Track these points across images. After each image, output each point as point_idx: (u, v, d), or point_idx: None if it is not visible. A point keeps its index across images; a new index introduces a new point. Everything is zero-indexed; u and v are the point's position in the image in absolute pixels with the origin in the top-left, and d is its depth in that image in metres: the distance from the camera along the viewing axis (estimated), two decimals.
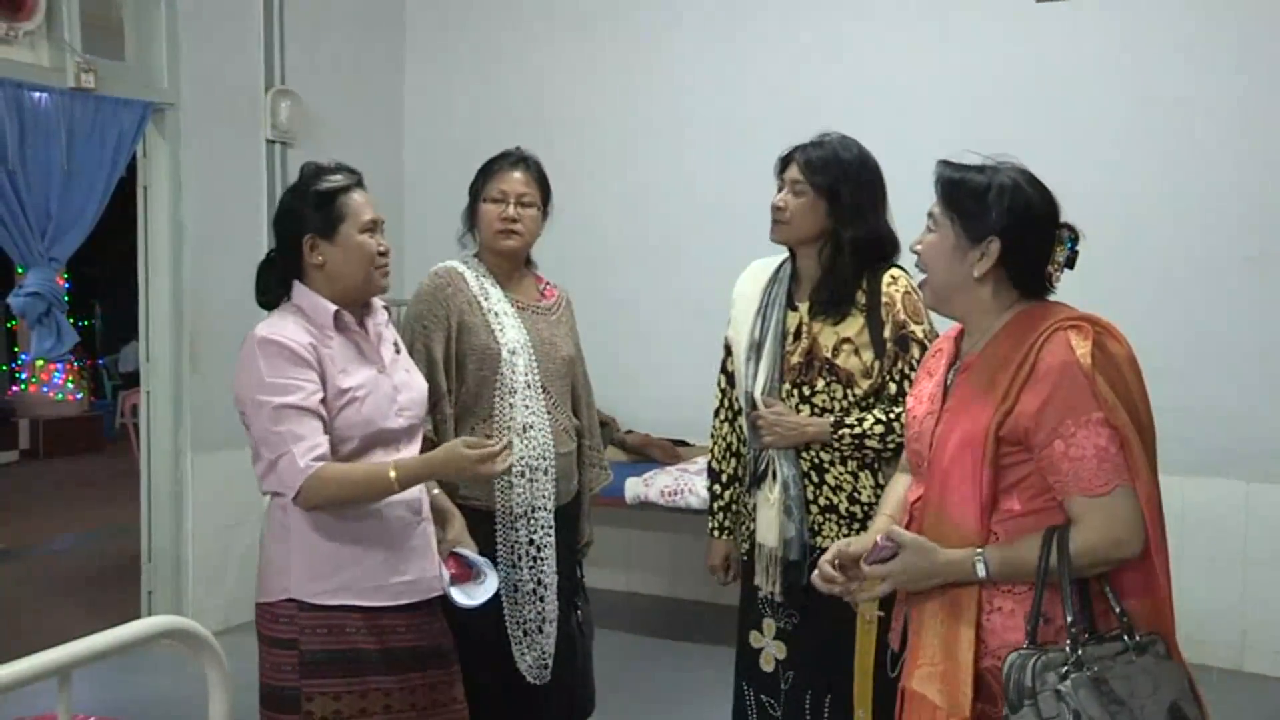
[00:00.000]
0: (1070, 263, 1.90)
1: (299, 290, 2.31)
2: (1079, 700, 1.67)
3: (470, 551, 2.49)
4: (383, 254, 2.32)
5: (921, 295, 2.03)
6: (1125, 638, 1.75)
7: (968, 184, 1.90)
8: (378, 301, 2.44)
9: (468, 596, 2.41)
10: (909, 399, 2.08)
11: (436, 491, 2.52)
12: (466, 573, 2.45)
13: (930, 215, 1.94)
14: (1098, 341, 1.79)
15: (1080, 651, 1.71)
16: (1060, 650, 1.72)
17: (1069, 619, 1.73)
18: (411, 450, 2.36)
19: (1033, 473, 1.81)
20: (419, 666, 2.32)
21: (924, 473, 1.96)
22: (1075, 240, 1.90)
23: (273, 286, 2.35)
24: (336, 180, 2.30)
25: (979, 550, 1.81)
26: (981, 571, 1.80)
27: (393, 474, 2.19)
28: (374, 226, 2.31)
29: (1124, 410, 1.77)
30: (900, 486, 2.11)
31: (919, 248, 1.96)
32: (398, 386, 2.35)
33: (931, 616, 1.89)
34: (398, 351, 2.44)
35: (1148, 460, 1.79)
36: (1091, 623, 1.77)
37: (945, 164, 1.95)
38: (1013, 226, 1.86)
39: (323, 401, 2.21)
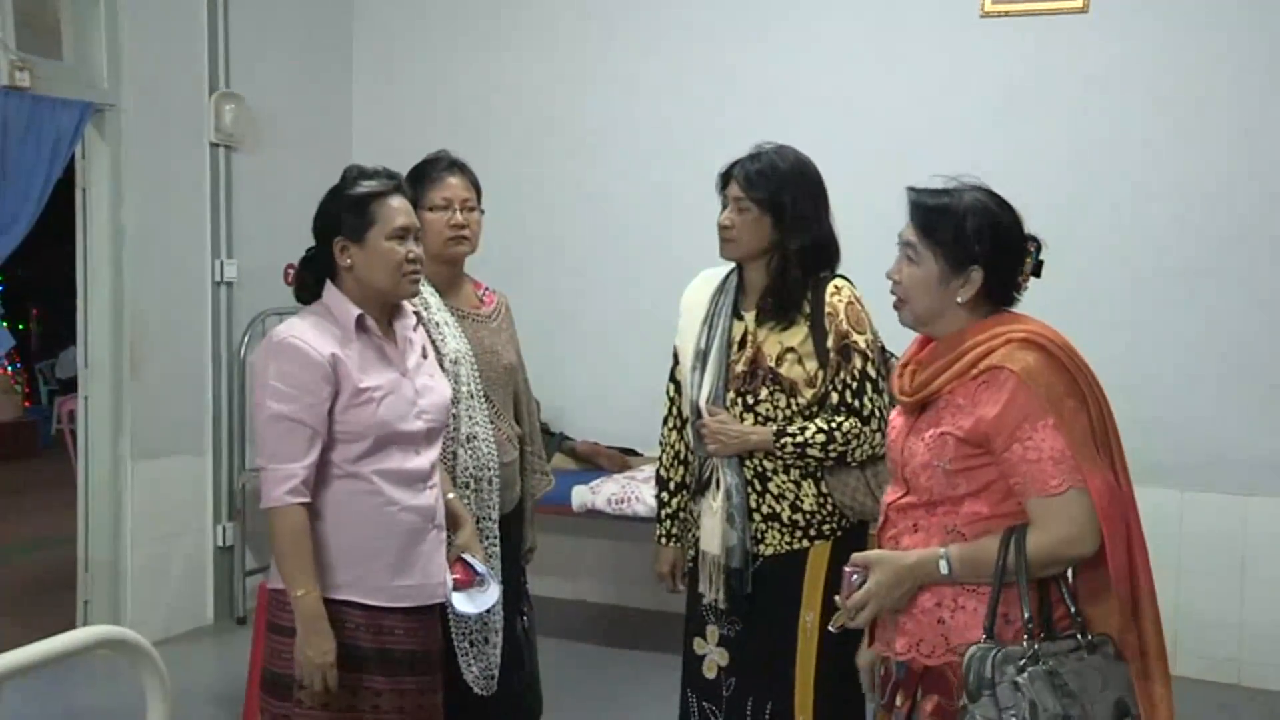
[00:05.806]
0: (1037, 271, 1.98)
1: (329, 290, 2.36)
2: (1034, 691, 1.77)
3: (476, 559, 2.49)
4: (411, 261, 2.33)
5: (898, 316, 2.05)
6: (1078, 636, 1.85)
7: (944, 213, 1.95)
8: (408, 305, 2.47)
9: (469, 603, 2.44)
10: (892, 412, 2.12)
11: (451, 496, 2.54)
12: (470, 579, 2.46)
13: (909, 245, 1.98)
14: (1044, 350, 1.88)
15: (1037, 647, 1.81)
16: (1019, 646, 1.81)
17: (1026, 616, 1.82)
18: (432, 453, 2.39)
19: (999, 478, 1.89)
20: (411, 671, 2.35)
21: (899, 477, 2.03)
22: (1039, 249, 1.98)
23: (309, 283, 2.40)
24: (372, 185, 2.33)
25: (942, 550, 1.90)
26: (944, 569, 1.89)
27: (300, 592, 2.20)
28: (405, 234, 2.33)
29: (1075, 415, 1.85)
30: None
31: (898, 277, 2.00)
32: (419, 390, 2.37)
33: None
34: (425, 356, 2.47)
35: (1103, 460, 1.87)
36: (1049, 623, 1.87)
37: (916, 191, 1.99)
38: (992, 252, 1.93)
39: (331, 410, 2.25)
